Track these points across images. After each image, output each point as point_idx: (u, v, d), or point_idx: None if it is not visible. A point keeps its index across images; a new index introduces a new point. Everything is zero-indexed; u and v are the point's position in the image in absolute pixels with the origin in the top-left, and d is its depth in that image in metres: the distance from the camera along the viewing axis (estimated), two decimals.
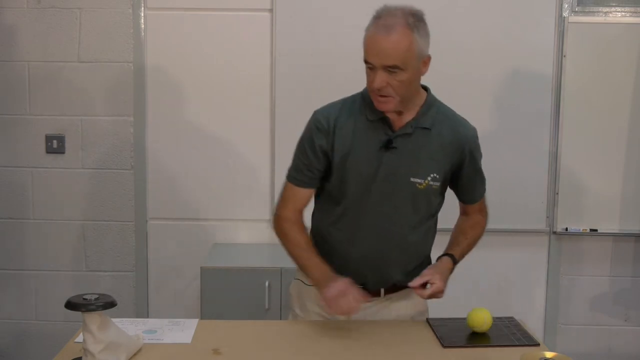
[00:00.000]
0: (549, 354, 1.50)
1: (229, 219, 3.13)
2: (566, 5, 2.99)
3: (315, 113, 1.85)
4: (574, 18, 2.98)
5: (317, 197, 1.92)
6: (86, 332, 1.53)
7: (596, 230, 3.08)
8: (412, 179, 1.80)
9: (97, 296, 1.53)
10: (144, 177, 3.10)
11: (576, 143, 3.03)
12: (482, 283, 3.15)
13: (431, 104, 1.85)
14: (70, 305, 1.50)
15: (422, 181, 1.80)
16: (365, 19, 2.97)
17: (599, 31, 2.98)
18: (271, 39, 3.01)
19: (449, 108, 1.92)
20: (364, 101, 1.82)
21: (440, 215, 1.96)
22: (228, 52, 3.05)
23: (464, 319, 1.79)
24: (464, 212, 2.02)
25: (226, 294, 2.75)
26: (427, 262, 1.95)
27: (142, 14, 3.04)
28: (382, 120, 1.79)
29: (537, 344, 1.71)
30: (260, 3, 3.01)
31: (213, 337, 1.73)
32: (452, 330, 1.78)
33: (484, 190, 1.99)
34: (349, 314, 1.74)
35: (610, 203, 3.06)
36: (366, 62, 1.71)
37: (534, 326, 2.01)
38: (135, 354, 1.61)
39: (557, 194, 3.06)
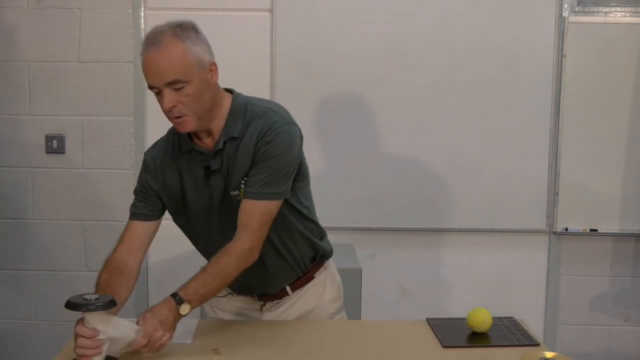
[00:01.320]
0: (549, 354, 1.50)
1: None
2: (566, 5, 2.99)
3: (144, 155, 1.83)
4: (574, 18, 2.98)
5: (186, 235, 1.89)
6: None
7: (596, 230, 3.08)
8: (231, 193, 1.71)
9: (97, 296, 1.52)
10: None
11: (576, 143, 3.03)
12: (482, 283, 3.15)
13: (238, 109, 1.71)
14: (71, 305, 1.50)
15: (238, 192, 1.70)
16: (365, 19, 3.00)
17: (599, 31, 2.98)
18: (271, 39, 3.01)
19: (259, 105, 1.74)
20: (177, 136, 1.76)
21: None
22: (228, 52, 3.04)
23: (464, 319, 1.79)
24: None
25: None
26: (316, 244, 1.88)
27: (142, 14, 3.04)
28: (194, 149, 1.72)
29: (537, 344, 1.70)
30: (260, 3, 3.01)
31: (213, 337, 1.73)
32: (452, 330, 1.78)
33: (265, 192, 1.67)
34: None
35: (610, 203, 3.06)
36: (149, 87, 1.62)
37: (534, 326, 2.01)
38: (135, 353, 1.61)
39: (557, 194, 3.06)
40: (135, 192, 1.83)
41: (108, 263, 1.77)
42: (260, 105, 1.74)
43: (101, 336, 1.51)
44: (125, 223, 3.14)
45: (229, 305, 1.94)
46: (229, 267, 1.68)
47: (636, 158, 3.04)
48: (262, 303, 1.91)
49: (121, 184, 3.11)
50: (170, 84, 1.58)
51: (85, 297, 1.52)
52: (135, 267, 1.81)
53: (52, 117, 3.07)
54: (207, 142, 1.72)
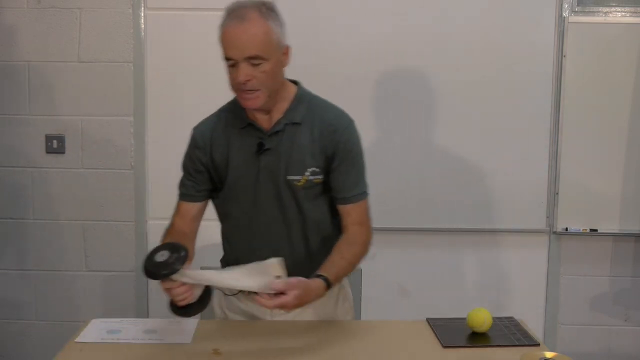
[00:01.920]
0: (549, 354, 1.50)
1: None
2: (566, 5, 2.99)
3: (193, 130, 1.88)
4: (574, 18, 2.97)
5: (220, 220, 1.93)
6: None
7: (596, 230, 3.08)
8: (288, 177, 1.77)
9: (167, 255, 1.56)
10: (144, 177, 3.10)
11: (576, 143, 3.03)
12: (482, 283, 3.15)
13: (301, 98, 1.81)
14: (153, 275, 1.56)
15: (300, 177, 1.77)
16: (365, 20, 3.00)
17: (599, 31, 2.98)
18: None
19: (323, 100, 1.85)
20: (233, 110, 1.82)
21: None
22: None
23: (464, 319, 1.79)
24: (344, 226, 1.84)
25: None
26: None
27: (142, 14, 3.04)
28: (251, 125, 1.78)
29: (537, 344, 1.71)
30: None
31: (213, 337, 1.73)
32: (452, 330, 1.78)
33: (362, 190, 1.83)
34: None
35: (610, 203, 3.06)
36: (227, 59, 1.68)
37: (534, 326, 2.01)
38: (135, 354, 1.61)
39: (557, 194, 3.06)
40: (184, 168, 1.88)
41: (169, 231, 1.88)
42: (322, 99, 1.85)
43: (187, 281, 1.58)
44: (125, 223, 3.18)
45: (240, 306, 1.93)
46: (359, 256, 1.81)
47: (636, 158, 3.04)
48: None
49: (121, 184, 3.11)
50: (250, 58, 1.64)
51: (157, 259, 1.56)
52: (194, 233, 1.89)
53: (52, 117, 3.07)
54: (264, 122, 1.78)
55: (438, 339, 1.73)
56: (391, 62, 3.00)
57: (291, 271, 1.62)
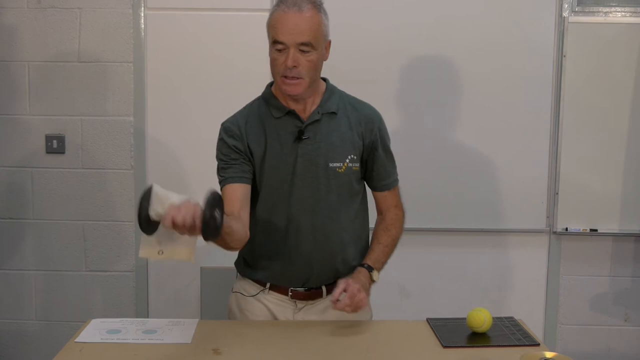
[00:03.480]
0: (549, 354, 1.50)
1: None
2: (566, 5, 2.99)
3: (223, 124, 1.89)
4: (574, 18, 2.98)
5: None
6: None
7: (596, 230, 3.08)
8: (331, 165, 1.82)
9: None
10: (144, 177, 3.10)
11: (576, 143, 3.03)
12: (482, 283, 3.15)
13: (332, 91, 1.90)
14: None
15: (341, 164, 1.83)
16: (365, 19, 3.00)
17: (599, 31, 2.98)
18: None
19: (350, 95, 1.95)
20: (266, 103, 1.86)
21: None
22: (228, 52, 3.05)
23: (464, 319, 1.79)
24: (379, 211, 2.00)
25: (226, 294, 2.74)
26: (366, 249, 1.97)
27: (142, 14, 3.04)
28: (289, 113, 1.82)
29: (537, 344, 1.71)
30: (260, 3, 3.00)
31: (213, 337, 1.73)
32: (452, 330, 1.78)
33: (396, 176, 2.00)
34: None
35: (610, 203, 3.06)
36: (277, 42, 1.72)
37: (534, 326, 2.01)
38: (135, 354, 1.61)
39: (557, 194, 3.06)
40: (221, 159, 1.86)
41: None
42: (350, 95, 1.94)
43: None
44: (125, 223, 3.18)
45: (260, 308, 1.91)
46: (398, 236, 1.97)
47: (636, 158, 3.04)
48: (294, 304, 1.89)
49: (121, 184, 3.11)
50: (301, 44, 1.72)
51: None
52: (245, 217, 1.80)
53: (52, 117, 3.07)
54: (300, 113, 1.84)
55: (438, 339, 1.73)
56: (391, 62, 3.00)
57: (317, 259, 1.83)
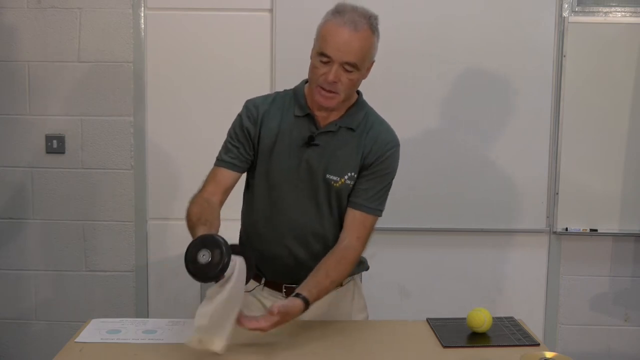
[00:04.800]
0: (549, 354, 1.50)
1: (229, 218, 3.10)
2: (566, 5, 2.99)
3: (247, 102, 1.88)
4: (574, 18, 2.98)
5: (244, 195, 1.94)
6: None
7: (596, 230, 3.08)
8: (327, 176, 1.80)
9: (207, 254, 1.50)
10: (144, 177, 3.10)
11: (576, 143, 3.03)
12: (482, 283, 3.15)
13: (361, 107, 1.86)
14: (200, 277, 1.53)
15: (338, 179, 1.81)
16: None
17: (599, 31, 2.98)
18: (271, 39, 3.01)
19: (378, 115, 1.90)
20: (294, 97, 1.85)
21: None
22: (228, 52, 3.05)
23: (464, 319, 1.79)
24: (342, 234, 1.84)
25: None
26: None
27: (142, 14, 3.04)
28: (308, 117, 1.81)
29: (537, 344, 1.71)
30: (260, 3, 3.01)
31: None
32: (452, 330, 1.78)
33: (379, 208, 1.84)
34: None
35: (610, 203, 3.06)
36: (323, 54, 1.71)
37: (534, 326, 2.01)
38: (135, 354, 1.61)
39: (557, 194, 3.06)
40: (231, 135, 1.85)
41: (196, 200, 1.80)
42: (377, 114, 1.89)
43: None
44: (125, 223, 3.18)
45: (254, 303, 1.92)
46: (344, 275, 1.82)
47: (636, 158, 3.04)
48: None
49: (121, 184, 3.11)
50: (347, 63, 1.69)
51: (201, 261, 1.51)
52: (219, 204, 1.82)
53: (52, 117, 3.07)
54: (320, 118, 1.82)
55: (438, 339, 1.73)
56: (391, 62, 3.00)
57: (307, 260, 1.80)
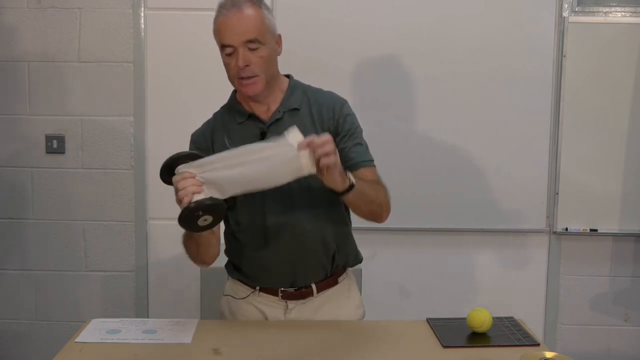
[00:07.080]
0: (549, 354, 1.50)
1: None
2: (566, 5, 2.99)
3: (192, 135, 1.90)
4: (574, 18, 2.98)
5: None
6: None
7: (596, 230, 3.08)
8: None
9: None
10: (144, 177, 3.10)
11: (576, 143, 3.03)
12: (482, 283, 3.15)
13: (295, 87, 1.87)
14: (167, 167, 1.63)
15: None
16: (365, 19, 3.00)
17: (599, 31, 2.98)
18: None
19: (315, 88, 1.90)
20: (229, 110, 1.87)
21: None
22: None
23: (464, 319, 1.79)
24: None
25: None
26: (351, 238, 1.95)
27: (142, 14, 3.04)
28: (251, 118, 1.82)
29: (537, 344, 1.70)
30: None
31: (213, 337, 1.73)
32: (452, 330, 1.78)
33: (371, 159, 1.84)
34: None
35: (610, 203, 3.06)
36: (225, 47, 1.73)
37: (534, 326, 2.01)
38: (135, 354, 1.61)
39: (557, 194, 3.06)
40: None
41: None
42: (314, 87, 1.90)
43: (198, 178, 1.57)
44: (125, 223, 3.18)
45: (251, 311, 1.90)
46: (380, 193, 1.78)
47: (636, 158, 3.04)
48: (285, 304, 1.88)
49: (121, 184, 3.11)
50: (248, 42, 1.70)
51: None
52: (219, 236, 1.83)
53: (52, 117, 3.07)
54: (262, 114, 1.82)
55: (438, 339, 1.73)
56: (391, 61, 3.00)
57: (299, 258, 1.79)
